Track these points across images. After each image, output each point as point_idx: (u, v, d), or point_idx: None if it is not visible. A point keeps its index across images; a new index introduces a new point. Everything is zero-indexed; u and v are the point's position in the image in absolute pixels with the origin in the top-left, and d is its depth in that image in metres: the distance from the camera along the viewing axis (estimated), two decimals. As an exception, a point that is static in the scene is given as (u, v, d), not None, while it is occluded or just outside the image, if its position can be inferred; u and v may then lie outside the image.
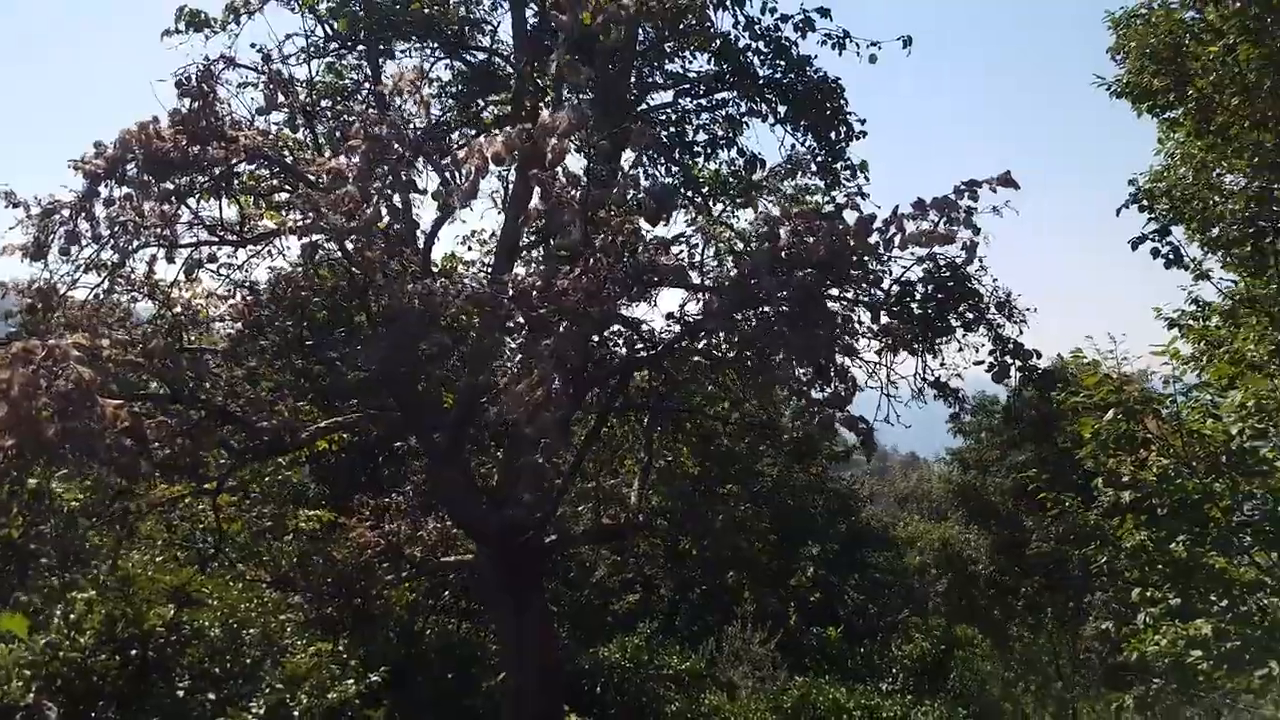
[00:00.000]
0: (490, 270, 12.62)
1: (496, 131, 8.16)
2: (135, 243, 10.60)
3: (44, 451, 7.46)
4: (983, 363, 9.79)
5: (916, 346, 9.06)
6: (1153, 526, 9.62)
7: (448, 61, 13.87)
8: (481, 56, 13.61)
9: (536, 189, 8.79)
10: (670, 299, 9.82)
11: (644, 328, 10.19)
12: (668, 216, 7.95)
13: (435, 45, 13.25)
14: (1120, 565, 10.96)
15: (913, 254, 8.70)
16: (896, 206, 8.76)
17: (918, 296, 9.23)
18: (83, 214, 10.00)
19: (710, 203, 14.48)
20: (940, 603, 29.37)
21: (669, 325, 10.70)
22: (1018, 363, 9.80)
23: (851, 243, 8.34)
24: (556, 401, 7.98)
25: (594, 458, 14.37)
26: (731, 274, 8.19)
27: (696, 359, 11.91)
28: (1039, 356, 9.92)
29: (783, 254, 8.08)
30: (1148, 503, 9.54)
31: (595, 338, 9.65)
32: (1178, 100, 14.20)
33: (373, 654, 14.32)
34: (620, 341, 10.58)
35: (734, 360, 11.23)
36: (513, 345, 10.92)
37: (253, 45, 11.93)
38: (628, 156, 11.51)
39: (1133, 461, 9.70)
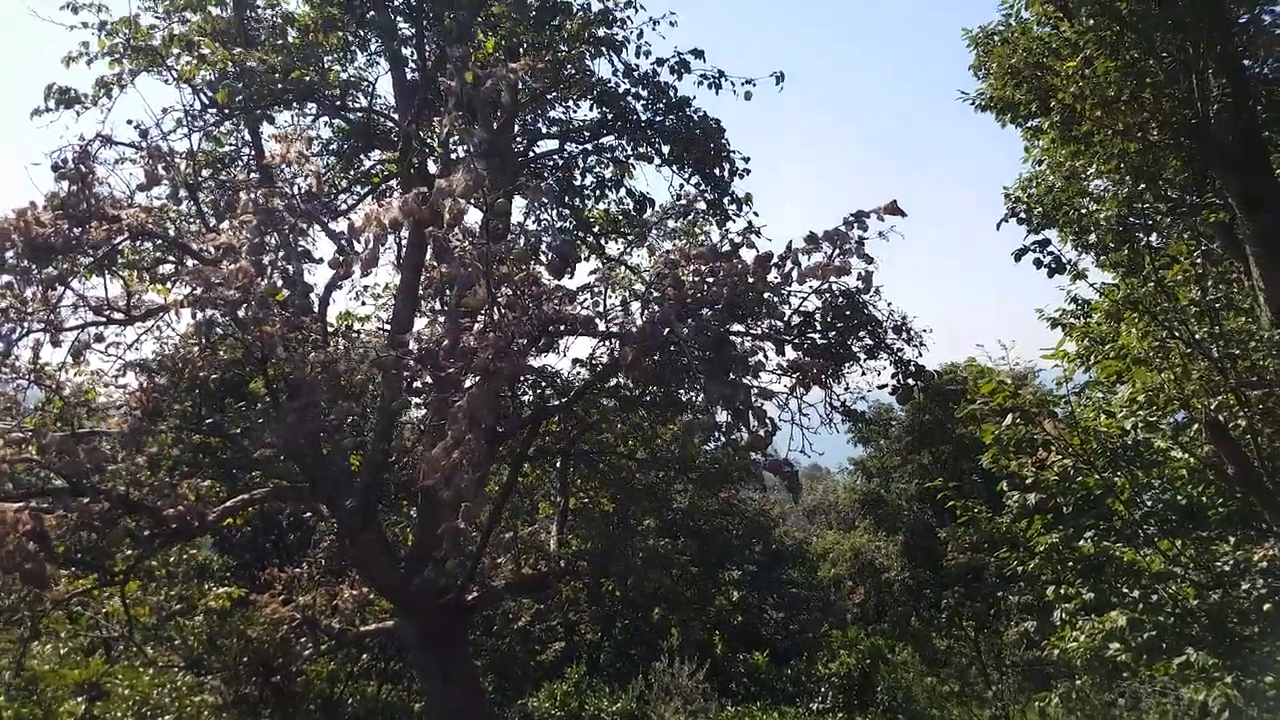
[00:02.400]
0: (389, 328, 12.50)
1: (392, 196, 8.17)
2: (19, 330, 10.19)
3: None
4: (885, 386, 10.22)
5: (824, 378, 9.38)
6: (1060, 526, 9.88)
7: (326, 119, 13.77)
8: (360, 114, 13.54)
9: (431, 245, 8.83)
10: (577, 344, 9.97)
11: (553, 376, 10.30)
12: (572, 269, 8.08)
13: (315, 106, 13.14)
14: (1034, 567, 11.32)
15: (810, 287, 9.04)
16: (790, 242, 9.11)
17: (818, 326, 9.59)
18: (-41, 305, 9.55)
19: (603, 242, 14.70)
20: (857, 614, 30.01)
21: (577, 371, 10.85)
22: (919, 384, 10.25)
23: (751, 280, 8.62)
24: (473, 461, 7.97)
25: (510, 506, 14.31)
26: (639, 322, 8.35)
27: (606, 400, 12.08)
28: (940, 376, 10.42)
29: (687, 297, 8.31)
30: (1053, 502, 9.83)
31: (506, 395, 9.68)
32: (1041, 112, 15.01)
33: (296, 730, 13.87)
34: (529, 391, 10.64)
35: (642, 399, 11.44)
36: (417, 403, 10.85)
37: (129, 121, 11.59)
38: (519, 204, 11.62)
39: (1034, 463, 9.97)
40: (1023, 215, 15.04)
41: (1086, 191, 15.50)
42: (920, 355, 10.12)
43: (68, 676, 10.71)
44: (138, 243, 10.95)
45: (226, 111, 12.47)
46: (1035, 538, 10.69)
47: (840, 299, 9.65)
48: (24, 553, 7.10)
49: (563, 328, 8.97)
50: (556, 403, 10.51)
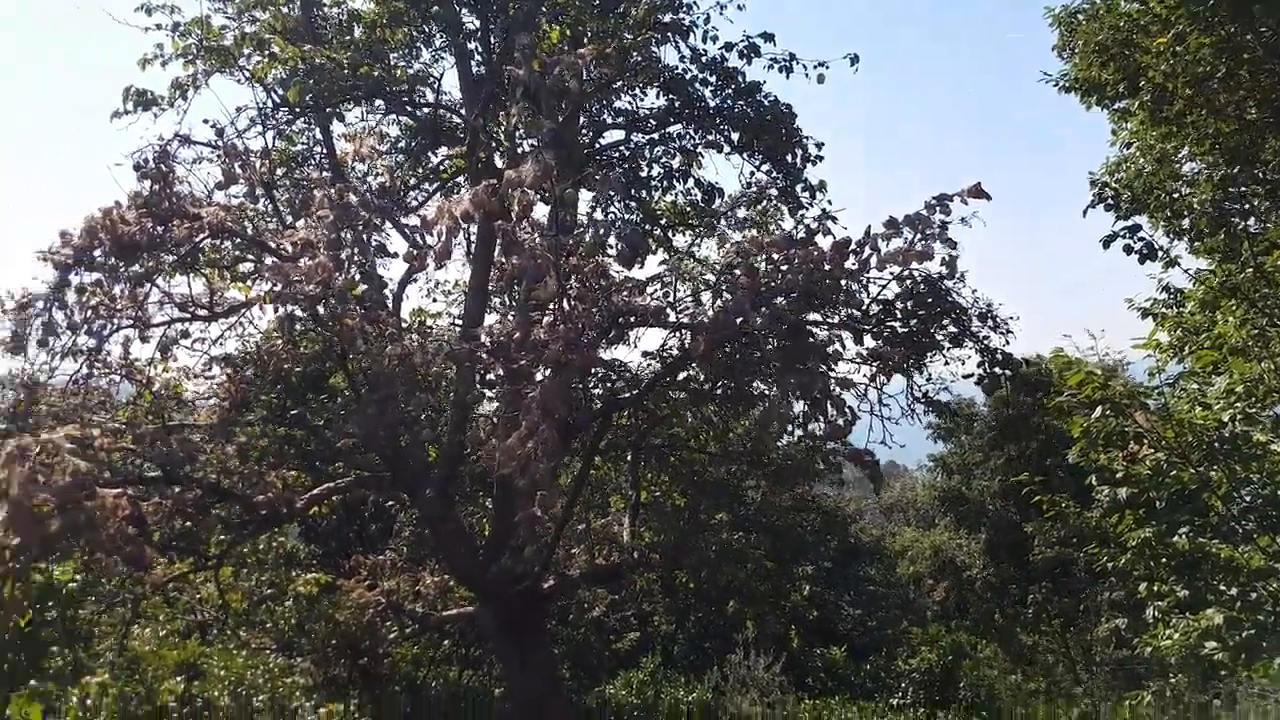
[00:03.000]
0: (461, 322, 12.67)
1: (463, 189, 8.26)
2: (109, 326, 10.65)
3: (49, 546, 7.44)
4: (971, 375, 9.92)
5: (905, 367, 9.18)
6: (1153, 521, 9.57)
7: (395, 117, 14.00)
8: (427, 110, 13.75)
9: (500, 238, 8.90)
10: (648, 336, 9.95)
11: (623, 369, 10.30)
12: (642, 260, 8.06)
13: (382, 104, 13.37)
14: (1126, 563, 10.95)
15: (891, 274, 8.85)
16: (869, 227, 8.94)
17: (899, 314, 9.38)
18: (56, 304, 10.03)
19: (670, 234, 14.63)
20: (938, 611, 29.41)
21: (647, 364, 10.83)
22: (1007, 372, 9.92)
23: (828, 267, 8.49)
24: (546, 451, 8.04)
25: (583, 499, 14.39)
26: (711, 312, 8.29)
27: (676, 393, 12.03)
28: (1028, 365, 10.03)
29: (762, 286, 8.21)
30: (1145, 497, 9.48)
31: (578, 387, 9.73)
32: (1129, 92, 14.45)
33: (381, 712, 14.25)
34: (600, 384, 10.67)
35: (714, 392, 11.36)
36: (491, 396, 10.99)
37: (205, 120, 11.93)
38: (586, 197, 11.65)
39: (1125, 457, 9.64)
40: (1110, 201, 14.47)
41: (1179, 175, 14.86)
42: (1007, 343, 9.79)
43: (167, 657, 11.19)
44: (218, 241, 11.35)
45: (298, 110, 12.81)
46: (1126, 533, 10.33)
47: (922, 285, 9.42)
48: (124, 536, 7.42)
49: (633, 319, 8.97)
50: (627, 395, 10.49)
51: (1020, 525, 24.33)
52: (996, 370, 9.66)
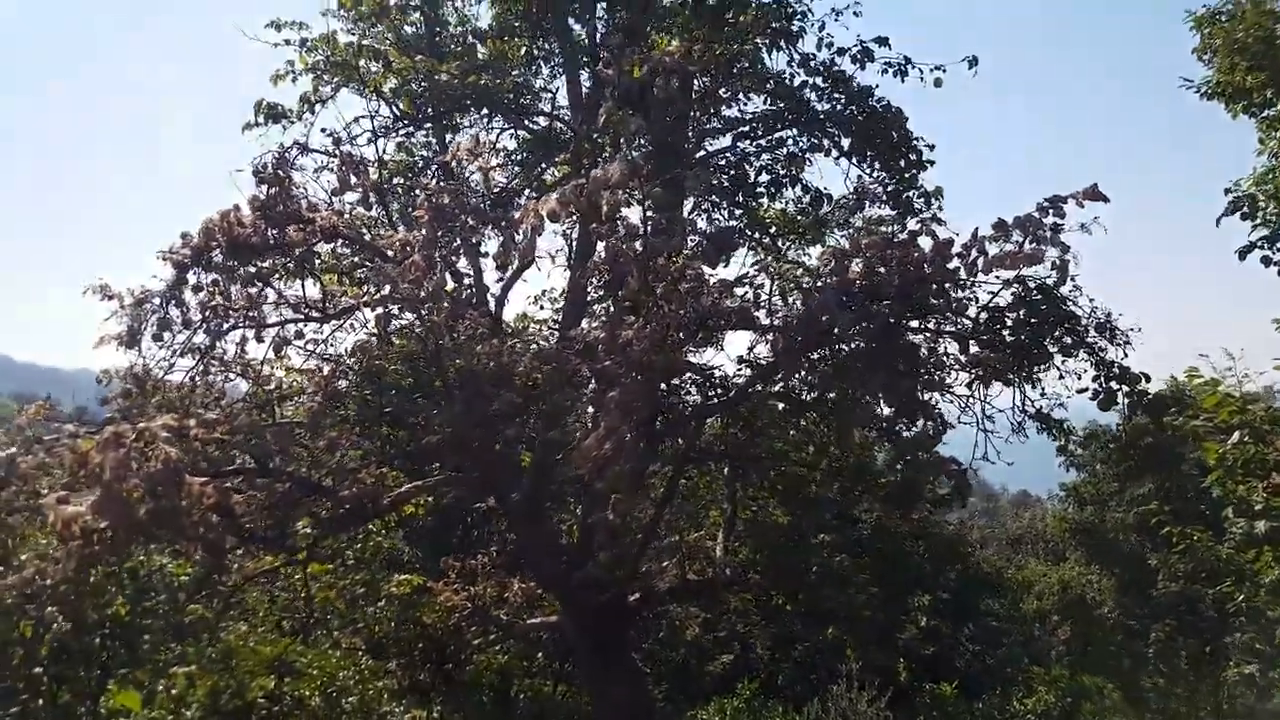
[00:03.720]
0: (559, 327, 12.66)
1: (552, 190, 8.19)
2: (224, 325, 11.07)
3: (136, 532, 7.70)
4: (1086, 390, 9.19)
5: (1011, 376, 8.57)
6: None
7: (512, 131, 14.19)
8: (543, 123, 13.88)
9: (599, 243, 8.79)
10: (741, 343, 9.64)
11: (714, 374, 10.01)
12: (727, 258, 7.80)
13: (499, 117, 13.58)
14: (1261, 602, 10.08)
15: (999, 278, 8.30)
16: (976, 229, 8.43)
17: (1009, 323, 8.78)
18: (173, 301, 10.48)
19: (779, 243, 14.28)
20: (1063, 651, 27.69)
21: (740, 370, 10.50)
22: (1124, 388, 9.16)
23: (928, 270, 8.00)
24: (626, 454, 7.83)
25: (676, 512, 14.10)
26: (798, 312, 7.93)
27: (775, 404, 11.61)
28: (1147, 380, 9.24)
29: (855, 286, 7.80)
30: None
31: (665, 387, 9.49)
32: (1276, 97, 13.42)
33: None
34: (691, 390, 10.40)
35: (815, 403, 10.91)
36: (584, 400, 10.88)
37: (323, 130, 12.40)
38: (689, 204, 11.46)
39: (1265, 488, 9.06)
40: (1247, 210, 13.35)
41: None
42: (1125, 356, 9.02)
43: (260, 653, 11.40)
44: (331, 245, 11.69)
45: (416, 122, 13.13)
46: (1264, 569, 9.43)
47: (1035, 293, 8.80)
48: (207, 524, 7.59)
49: (720, 321, 8.68)
50: (718, 401, 10.18)
51: (1146, 559, 22.68)
52: (1114, 385, 8.90)
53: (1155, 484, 26.13)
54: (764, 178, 13.35)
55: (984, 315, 8.78)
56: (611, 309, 9.92)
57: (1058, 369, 9.12)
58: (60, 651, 8.25)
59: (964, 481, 7.77)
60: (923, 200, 12.70)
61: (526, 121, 13.98)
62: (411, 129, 13.59)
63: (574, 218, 8.20)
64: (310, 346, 11.47)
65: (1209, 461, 9.56)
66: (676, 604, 15.71)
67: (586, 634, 11.22)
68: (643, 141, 9.17)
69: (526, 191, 14.60)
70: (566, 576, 10.78)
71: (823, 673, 19.90)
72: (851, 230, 13.66)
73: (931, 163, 12.24)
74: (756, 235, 14.14)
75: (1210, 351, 10.21)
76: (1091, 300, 9.08)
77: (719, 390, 10.05)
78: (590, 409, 10.94)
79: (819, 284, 8.35)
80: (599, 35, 12.45)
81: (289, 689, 11.91)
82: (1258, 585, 9.69)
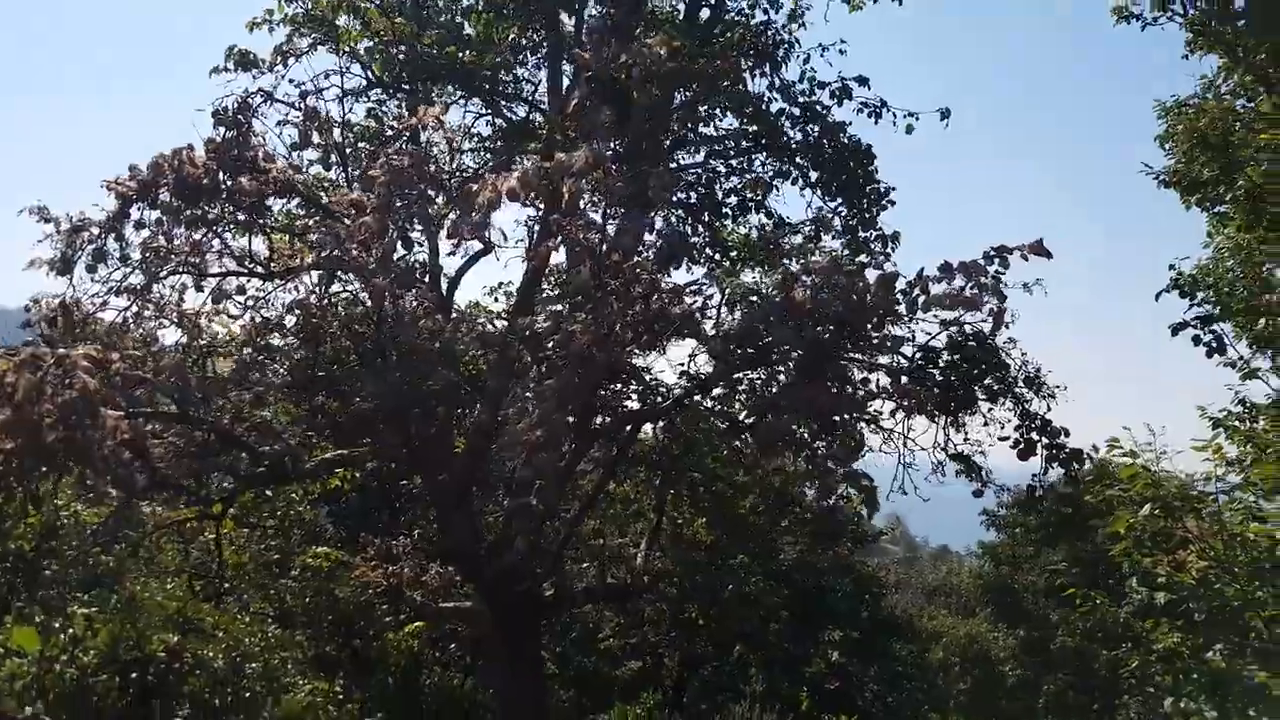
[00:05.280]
0: (508, 316, 12.59)
1: (515, 168, 8.18)
2: (164, 269, 10.80)
3: (43, 458, 7.47)
4: (1008, 438, 9.42)
5: (935, 415, 8.76)
6: (1188, 632, 9.15)
7: (489, 118, 14.10)
8: (521, 114, 13.82)
9: (558, 235, 8.78)
10: (684, 354, 9.70)
11: (654, 381, 10.05)
12: (678, 262, 7.86)
13: (477, 100, 13.48)
14: (1152, 670, 10.34)
15: (936, 318, 8.49)
16: (922, 269, 8.63)
17: (941, 364, 8.97)
18: (112, 234, 10.22)
19: (739, 267, 14.39)
20: (962, 701, 28.16)
21: (681, 381, 10.56)
22: (1044, 440, 9.41)
23: (870, 301, 8.16)
24: (557, 443, 7.82)
25: (601, 516, 14.08)
26: (739, 324, 8.02)
27: (712, 419, 11.70)
28: (1067, 435, 9.49)
29: (798, 307, 7.91)
30: (1184, 607, 9.04)
31: (604, 386, 9.50)
32: (1227, 189, 13.95)
33: (370, 699, 14.00)
34: (630, 394, 10.42)
35: (751, 425, 11.01)
36: (525, 389, 10.83)
37: (290, 80, 12.10)
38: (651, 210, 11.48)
39: (1170, 562, 9.26)
40: (1185, 288, 13.85)
41: (1266, 279, 14.18)
42: (1049, 410, 9.27)
43: (166, 606, 11.12)
44: (285, 203, 11.48)
45: (390, 90, 12.98)
46: (1159, 638, 9.70)
47: (969, 340, 9.03)
48: (119, 460, 7.40)
49: (666, 326, 8.73)
50: (657, 407, 10.22)
51: (1049, 619, 23.29)
52: (1034, 436, 9.14)
53: (1068, 552, 26.83)
54: (731, 200, 13.52)
55: (917, 354, 8.98)
56: (558, 300, 9.92)
57: (983, 415, 9.36)
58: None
59: (873, 497, 7.91)
60: (879, 242, 12.91)
61: (504, 109, 13.90)
62: (384, 97, 13.44)
63: (535, 201, 8.19)
64: (250, 303, 11.29)
65: (1119, 530, 9.67)
66: (591, 605, 15.65)
67: (499, 624, 11.13)
68: (614, 141, 9.20)
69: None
70: (486, 564, 10.71)
71: (727, 695, 19.97)
72: (805, 257, 13.86)
73: (893, 203, 12.49)
74: (717, 256, 14.24)
75: (1133, 425, 10.53)
76: (1024, 354, 9.36)
77: (657, 397, 10.09)
78: (528, 398, 10.92)
79: (761, 299, 8.46)
80: (585, 28, 12.45)
81: (191, 648, 11.62)
82: (1151, 652, 9.82)
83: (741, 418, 10.84)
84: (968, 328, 8.84)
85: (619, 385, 10.28)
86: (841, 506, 15.96)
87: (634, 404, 10.72)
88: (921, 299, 8.34)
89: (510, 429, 7.94)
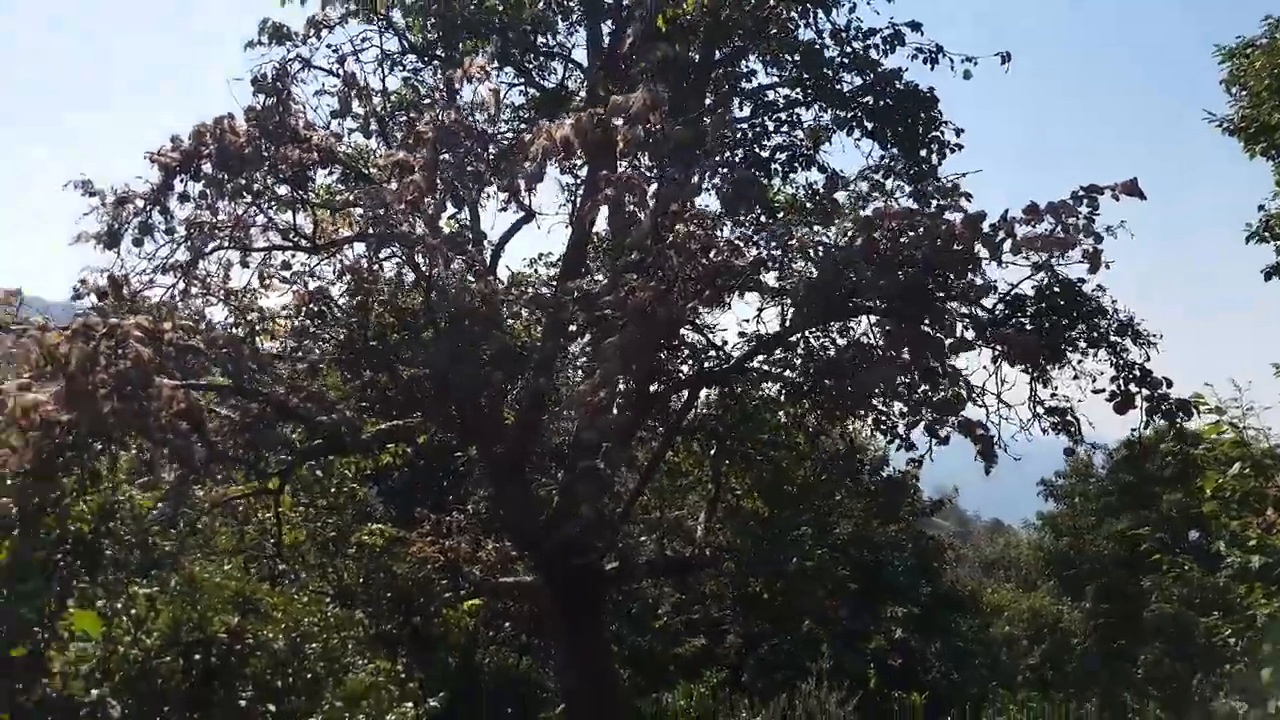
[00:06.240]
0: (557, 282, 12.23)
1: (567, 116, 7.76)
2: (209, 243, 10.60)
3: (99, 429, 7.25)
4: (1102, 391, 8.81)
5: (1028, 366, 8.18)
6: None
7: (522, 86, 13.73)
8: (556, 80, 13.43)
9: (607, 190, 8.32)
10: (745, 312, 9.24)
11: (715, 338, 9.60)
12: (747, 207, 7.39)
13: (511, 69, 13.09)
14: (1251, 639, 9.74)
15: (1028, 260, 7.93)
16: (1006, 210, 8.07)
17: (1029, 312, 8.41)
18: (156, 206, 10.04)
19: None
20: (1029, 676, 27.52)
21: (739, 343, 10.09)
22: (1144, 390, 8.78)
23: (957, 245, 7.61)
24: (621, 404, 7.43)
25: (658, 488, 13.69)
26: (817, 271, 7.52)
27: (771, 384, 11.21)
28: (1169, 385, 8.84)
29: (879, 252, 7.40)
30: (1278, 571, 8.54)
31: (663, 346, 9.07)
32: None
33: (430, 678, 13.86)
34: (689, 356, 9.97)
35: (813, 390, 10.51)
36: (576, 354, 10.46)
37: (329, 45, 11.80)
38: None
39: (1260, 524, 8.74)
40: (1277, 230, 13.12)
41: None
42: (1148, 359, 8.64)
43: (226, 587, 10.99)
44: (328, 172, 11.21)
45: (427, 58, 12.65)
46: (1255, 605, 9.12)
47: (1057, 286, 8.45)
48: (175, 429, 7.17)
49: (730, 281, 8.27)
50: (717, 370, 9.75)
51: (1134, 581, 22.40)
52: (1132, 388, 8.54)
53: (1133, 522, 26.00)
54: (780, 156, 12.96)
55: (1001, 306, 8.43)
56: (610, 257, 9.50)
57: (1073, 368, 8.76)
58: (15, 564, 7.81)
59: (990, 448, 7.37)
60: (941, 195, 12.30)
61: (537, 76, 13.50)
62: (419, 65, 13.12)
63: (586, 152, 7.76)
64: (295, 279, 11.05)
65: (1205, 490, 9.24)
66: (653, 579, 15.30)
67: (559, 599, 10.81)
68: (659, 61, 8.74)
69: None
70: (544, 537, 10.38)
71: (791, 672, 19.54)
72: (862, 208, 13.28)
73: (960, 146, 11.85)
74: (764, 219, 13.73)
75: (1216, 381, 9.92)
76: (1115, 301, 8.75)
77: (718, 357, 9.63)
78: (581, 363, 10.54)
79: (840, 248, 7.93)
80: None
81: (252, 628, 11.52)
82: (1250, 621, 9.19)
83: (805, 382, 10.39)
84: (1058, 272, 8.27)
85: (675, 350, 9.86)
86: (906, 475, 15.50)
87: (692, 366, 10.29)
88: (1009, 243, 7.78)
89: (571, 391, 7.55)
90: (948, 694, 23.42)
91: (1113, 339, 8.48)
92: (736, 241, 8.52)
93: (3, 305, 8.13)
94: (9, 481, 6.68)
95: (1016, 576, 38.46)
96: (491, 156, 9.06)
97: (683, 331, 9.35)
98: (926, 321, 7.03)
